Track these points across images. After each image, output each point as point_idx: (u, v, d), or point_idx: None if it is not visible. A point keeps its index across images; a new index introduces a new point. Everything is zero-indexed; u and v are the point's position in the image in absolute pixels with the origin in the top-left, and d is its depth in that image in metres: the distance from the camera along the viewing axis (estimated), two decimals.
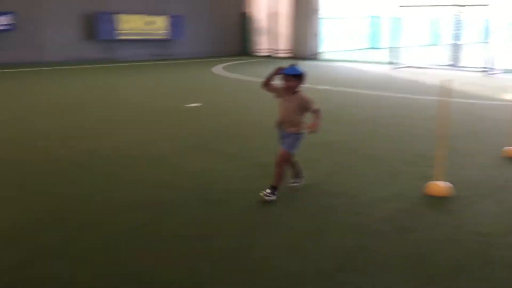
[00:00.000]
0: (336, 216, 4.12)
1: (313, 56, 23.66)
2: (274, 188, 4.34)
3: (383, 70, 18.10)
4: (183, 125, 7.93)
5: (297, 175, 4.75)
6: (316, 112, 4.35)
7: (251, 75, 15.42)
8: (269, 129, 7.36)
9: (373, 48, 31.98)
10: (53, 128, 7.65)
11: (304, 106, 4.34)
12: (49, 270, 3.18)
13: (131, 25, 21.02)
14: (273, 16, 25.22)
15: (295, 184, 4.70)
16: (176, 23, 22.40)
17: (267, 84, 4.51)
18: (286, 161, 4.43)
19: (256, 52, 26.19)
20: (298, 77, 4.31)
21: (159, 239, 3.65)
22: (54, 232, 3.78)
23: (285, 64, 4.50)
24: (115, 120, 8.32)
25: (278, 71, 4.35)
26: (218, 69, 18.06)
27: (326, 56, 24.36)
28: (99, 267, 3.22)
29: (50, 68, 17.38)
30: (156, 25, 21.88)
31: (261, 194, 4.32)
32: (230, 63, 20.72)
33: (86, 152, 6.10)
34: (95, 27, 19.91)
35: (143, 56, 21.81)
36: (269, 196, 4.30)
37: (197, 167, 5.50)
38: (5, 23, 17.34)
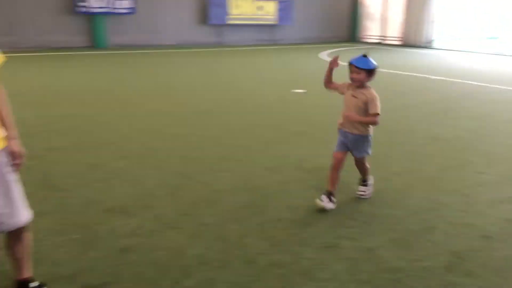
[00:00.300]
0: (448, 214, 3.95)
1: (427, 45, 22.51)
2: (365, 181, 4.20)
3: (505, 62, 16.73)
4: (288, 111, 8.01)
5: (364, 181, 4.28)
6: (373, 116, 3.76)
7: None
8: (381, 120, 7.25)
9: (494, 38, 29.67)
10: (164, 107, 8.12)
11: (367, 103, 3.78)
12: (164, 240, 3.43)
13: (242, 10, 21.49)
14: (385, 1, 24.33)
15: (362, 193, 4.21)
16: (284, 8, 22.51)
17: (329, 82, 4.11)
18: (363, 165, 4.15)
19: (365, 38, 25.53)
20: (369, 71, 3.77)
21: (265, 220, 3.77)
22: (170, 206, 4.06)
23: (362, 52, 4.02)
24: (223, 103, 8.62)
25: (335, 63, 3.97)
26: (325, 55, 17.89)
27: (441, 45, 23.05)
28: (210, 242, 3.41)
29: (164, 50, 18.38)
30: (265, 10, 22.15)
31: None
32: (338, 49, 20.41)
33: (198, 131, 6.42)
34: (208, 11, 20.63)
35: (251, 41, 22.25)
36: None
37: (301, 154, 5.55)
38: (127, 6, 18.59)
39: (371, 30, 25.49)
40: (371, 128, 3.92)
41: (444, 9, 24.59)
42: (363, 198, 4.18)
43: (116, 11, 18.36)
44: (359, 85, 3.81)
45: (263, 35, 22.78)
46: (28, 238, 2.62)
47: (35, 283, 2.68)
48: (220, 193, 4.32)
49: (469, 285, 2.90)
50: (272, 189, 4.43)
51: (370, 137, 3.96)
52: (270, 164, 5.16)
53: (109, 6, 18.13)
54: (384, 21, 24.71)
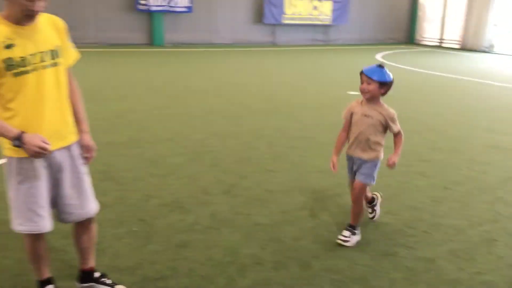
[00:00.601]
0: (510, 227, 3.78)
1: (488, 49, 21.63)
2: (353, 227, 3.47)
3: None
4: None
5: (370, 202, 3.82)
6: (398, 136, 3.35)
7: (416, 66, 14.69)
8: (430, 125, 7.07)
9: None
10: (218, 106, 8.21)
11: (387, 123, 3.29)
12: (219, 238, 3.48)
13: (297, 9, 21.41)
14: (445, 2, 23.58)
15: (344, 240, 3.42)
16: (340, 8, 22.24)
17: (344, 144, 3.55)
18: (363, 195, 3.50)
19: (422, 40, 24.85)
20: (381, 83, 3.22)
21: (319, 224, 3.74)
22: (225, 204, 4.10)
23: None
24: (277, 104, 8.62)
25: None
26: (382, 57, 17.55)
27: (502, 50, 22.08)
28: (265, 242, 3.42)
29: (218, 49, 18.60)
30: (320, 10, 21.97)
31: (338, 241, 3.42)
32: (394, 51, 19.97)
33: (252, 130, 6.46)
34: (263, 10, 20.70)
35: (305, 41, 22.13)
36: (347, 240, 3.40)
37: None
38: (185, 5, 18.94)
39: (429, 32, 24.78)
40: (383, 152, 3.41)
41: (508, 12, 23.55)
42: (344, 245, 3.40)
43: (174, 9, 18.75)
44: (369, 98, 3.28)
45: (318, 35, 22.61)
46: (94, 229, 2.72)
47: (98, 273, 2.78)
48: (274, 194, 4.33)
49: None
50: (326, 193, 4.40)
51: (379, 163, 3.42)
52: (324, 166, 5.11)
53: (168, 4, 18.54)
54: (443, 23, 23.96)
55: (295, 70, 13.77)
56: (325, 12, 22.07)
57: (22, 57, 2.19)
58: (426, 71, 13.62)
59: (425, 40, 24.80)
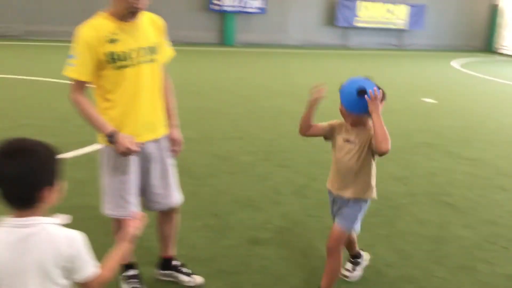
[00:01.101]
0: None
1: None
2: None
3: None
4: (417, 120, 7.69)
5: (354, 257, 3.03)
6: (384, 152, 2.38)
7: (496, 76, 13.99)
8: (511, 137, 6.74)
9: None
10: (288, 107, 8.23)
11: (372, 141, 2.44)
12: (291, 238, 3.50)
13: (370, 12, 21.04)
14: None
15: (349, 274, 2.96)
16: (416, 13, 21.61)
17: (307, 126, 2.71)
18: (342, 244, 2.71)
19: (501, 49, 23.63)
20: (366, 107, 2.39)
21: (393, 232, 3.67)
22: (296, 204, 4.12)
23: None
24: None
25: (319, 94, 2.63)
26: (458, 64, 16.88)
27: None
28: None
29: (289, 50, 18.64)
30: (395, 14, 21.46)
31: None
32: (472, 58, 19.14)
33: None
34: (336, 12, 20.51)
35: (377, 45, 21.70)
36: None
37: (431, 166, 5.31)
38: (258, 6, 19.15)
39: (509, 40, 23.51)
40: (375, 190, 2.65)
41: None
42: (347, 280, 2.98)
43: (247, 10, 19.02)
44: (352, 124, 2.55)
45: (391, 40, 22.10)
46: (177, 219, 2.83)
47: (178, 262, 2.88)
48: None
49: None
50: (400, 200, 4.31)
51: (367, 205, 2.67)
52: (398, 174, 5.01)
53: (241, 5, 18.83)
54: None
55: (367, 74, 13.52)
56: (400, 16, 21.53)
57: (123, 52, 2.32)
58: (505, 81, 12.96)
59: (504, 49, 23.55)
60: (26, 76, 9.65)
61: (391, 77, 13.09)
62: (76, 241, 1.51)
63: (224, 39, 19.12)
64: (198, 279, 2.85)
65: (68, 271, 1.50)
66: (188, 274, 2.85)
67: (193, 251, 3.23)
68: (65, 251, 1.47)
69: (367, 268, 3.11)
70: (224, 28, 19.12)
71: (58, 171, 1.52)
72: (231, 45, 18.89)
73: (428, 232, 3.69)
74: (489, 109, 8.92)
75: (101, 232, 3.03)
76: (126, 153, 2.36)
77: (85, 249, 1.53)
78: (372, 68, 14.85)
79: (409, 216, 4.00)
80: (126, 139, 2.35)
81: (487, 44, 23.93)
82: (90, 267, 1.54)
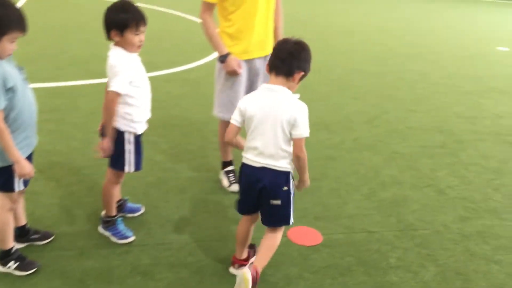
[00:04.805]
0: None
1: None
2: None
3: None
4: (489, 67, 7.72)
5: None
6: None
7: None
8: None
9: None
10: (363, 45, 8.42)
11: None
12: (362, 158, 3.95)
13: None
14: None
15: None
16: None
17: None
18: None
19: None
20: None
21: (457, 161, 4.03)
22: (367, 131, 4.54)
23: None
24: (422, 48, 8.60)
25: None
26: None
27: None
28: (403, 168, 3.83)
29: None
30: None
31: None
32: None
33: (394, 72, 6.69)
34: None
35: None
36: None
37: (499, 110, 5.51)
38: None
39: None
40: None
41: None
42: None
43: None
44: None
45: None
46: None
47: None
48: (413, 130, 4.65)
49: None
50: (466, 137, 4.61)
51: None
52: (466, 114, 5.27)
53: None
54: None
55: (441, 20, 13.25)
56: None
57: None
58: None
59: None
60: None
61: (467, 24, 12.78)
62: (302, 109, 2.14)
63: None
64: None
65: (291, 126, 2.12)
66: None
67: None
68: (294, 113, 2.10)
69: (429, 187, 3.53)
70: None
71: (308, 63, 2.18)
72: None
73: (489, 165, 4.02)
74: None
75: (197, 135, 3.59)
76: (232, 73, 2.88)
77: (305, 117, 2.13)
78: (446, 14, 14.45)
79: (473, 150, 4.32)
80: (234, 62, 2.86)
81: None
82: (303, 130, 2.13)
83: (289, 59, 2.12)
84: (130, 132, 2.40)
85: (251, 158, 2.22)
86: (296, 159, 2.20)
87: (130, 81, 2.32)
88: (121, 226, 2.61)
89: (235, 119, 2.25)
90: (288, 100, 2.14)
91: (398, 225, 3.02)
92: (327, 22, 10.63)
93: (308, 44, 2.20)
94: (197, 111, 4.64)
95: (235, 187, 3.21)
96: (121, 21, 2.24)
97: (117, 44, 2.32)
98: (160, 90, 5.02)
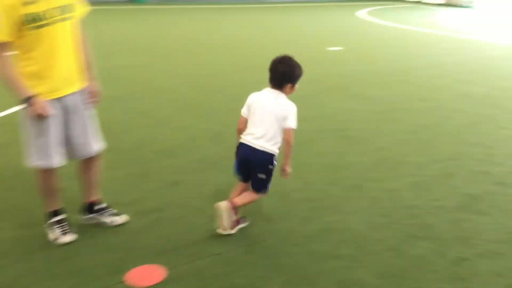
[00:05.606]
0: (468, 163, 4.24)
1: (468, 5, 21.91)
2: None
3: None
4: (324, 67, 8.26)
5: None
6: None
7: (396, 21, 14.97)
8: (412, 76, 7.51)
9: None
10: (206, 62, 8.50)
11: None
12: (208, 177, 3.89)
13: None
14: None
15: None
16: None
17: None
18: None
19: None
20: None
21: (298, 164, 4.16)
22: (212, 149, 4.50)
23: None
24: (259, 58, 8.91)
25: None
26: (363, 13, 17.73)
27: (483, 5, 22.35)
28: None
29: (201, 6, 18.56)
30: None
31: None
32: (375, 7, 20.12)
33: (236, 86, 6.81)
34: None
35: None
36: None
37: (335, 107, 5.88)
38: None
39: None
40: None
41: None
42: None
43: None
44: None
45: None
46: (99, 166, 3.10)
47: (101, 206, 3.16)
48: None
49: (480, 222, 3.25)
50: (306, 137, 4.80)
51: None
52: (308, 115, 5.51)
53: None
54: None
55: (278, 27, 13.95)
56: None
57: (40, 12, 2.51)
58: (408, 27, 13.93)
59: None
60: None
61: (299, 28, 13.62)
62: (292, 107, 2.93)
63: None
64: (122, 218, 3.15)
65: (283, 119, 2.88)
66: (112, 214, 3.14)
67: (117, 196, 3.50)
68: (287, 109, 2.91)
69: (273, 193, 3.58)
70: None
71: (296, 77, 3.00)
72: (143, 3, 18.48)
73: (327, 161, 4.23)
74: (389, 53, 9.68)
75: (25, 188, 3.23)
76: (41, 116, 2.60)
77: (294, 113, 2.91)
78: (283, 20, 15.28)
79: (313, 149, 4.51)
80: (41, 103, 2.58)
81: None
82: (291, 123, 2.89)
83: (280, 79, 2.96)
84: None
85: (249, 140, 2.95)
86: (286, 144, 2.93)
87: None
88: None
89: (244, 112, 3.05)
90: (283, 99, 2.93)
91: (244, 240, 2.98)
92: (167, 43, 10.56)
93: (293, 59, 3.02)
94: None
95: (69, 237, 2.94)
96: None
97: None
98: None
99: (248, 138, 2.96)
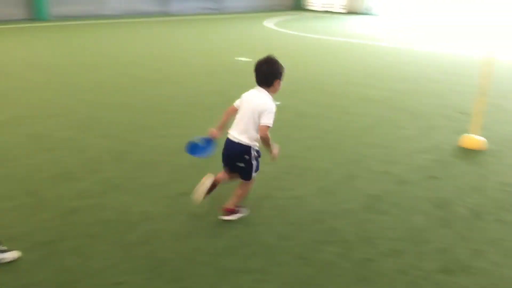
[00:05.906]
0: (369, 164, 4.39)
1: (368, 11, 23.23)
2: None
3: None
4: (231, 77, 8.26)
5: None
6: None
7: (303, 31, 15.43)
8: (311, 84, 7.71)
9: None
10: (112, 78, 8.18)
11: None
12: (111, 201, 3.68)
13: None
14: None
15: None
16: None
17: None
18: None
19: (309, 6, 25.86)
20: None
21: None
22: (116, 170, 4.28)
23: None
24: (168, 72, 8.76)
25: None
26: (270, 24, 18.10)
27: (380, 12, 23.78)
28: (154, 200, 3.69)
29: (108, 21, 18.01)
30: None
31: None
32: (282, 18, 20.66)
33: (142, 102, 6.59)
34: None
35: (196, 10, 22.12)
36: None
37: None
38: None
39: None
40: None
41: None
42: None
43: None
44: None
45: (208, 4, 22.69)
46: None
47: None
48: (162, 156, 4.57)
49: (382, 221, 3.35)
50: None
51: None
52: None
53: None
54: None
55: (187, 39, 13.84)
56: None
57: None
58: (312, 35, 14.39)
59: (313, 6, 25.86)
60: None
61: (209, 40, 13.61)
62: (270, 106, 3.12)
63: (35, 14, 17.67)
64: (13, 254, 2.88)
65: (259, 115, 3.10)
66: (4, 251, 2.87)
67: (9, 229, 3.21)
68: (263, 106, 3.11)
69: (181, 213, 3.45)
70: (33, 2, 17.63)
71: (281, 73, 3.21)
72: (44, 20, 17.56)
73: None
74: (296, 62, 9.91)
75: None
76: None
77: (270, 112, 3.10)
78: (191, 33, 15.20)
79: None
80: None
81: (296, 3, 25.97)
82: (266, 120, 3.09)
83: (265, 78, 3.19)
84: None
85: (233, 134, 3.24)
86: (261, 139, 3.15)
87: None
88: None
89: (236, 103, 3.32)
90: (263, 98, 3.15)
91: (148, 265, 2.84)
92: (69, 61, 10.06)
93: (274, 57, 3.23)
94: None
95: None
96: None
97: None
98: None
99: (230, 132, 3.27)
